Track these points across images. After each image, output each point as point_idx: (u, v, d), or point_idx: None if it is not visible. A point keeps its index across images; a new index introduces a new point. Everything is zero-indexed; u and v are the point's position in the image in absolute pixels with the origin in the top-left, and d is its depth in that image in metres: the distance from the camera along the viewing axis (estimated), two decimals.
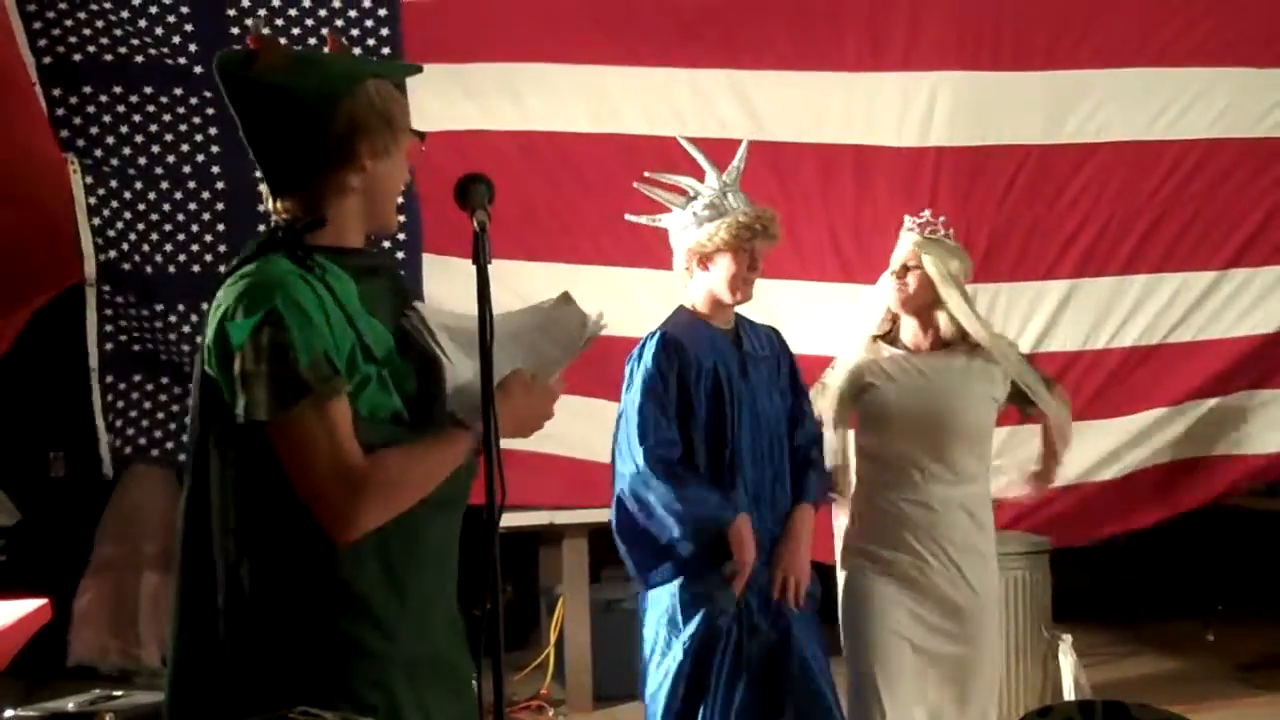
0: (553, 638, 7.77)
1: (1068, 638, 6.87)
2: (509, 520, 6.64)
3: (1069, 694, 6.83)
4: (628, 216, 4.78)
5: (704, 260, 4.46)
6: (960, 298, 4.78)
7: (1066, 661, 6.85)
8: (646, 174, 4.71)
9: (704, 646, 4.32)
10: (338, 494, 2.57)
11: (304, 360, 2.55)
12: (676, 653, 4.33)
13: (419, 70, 2.86)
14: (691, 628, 4.33)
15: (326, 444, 2.56)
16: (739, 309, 4.59)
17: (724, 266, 4.43)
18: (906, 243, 4.76)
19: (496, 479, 2.56)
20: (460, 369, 2.65)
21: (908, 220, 4.83)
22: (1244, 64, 6.94)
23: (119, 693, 5.36)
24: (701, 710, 4.31)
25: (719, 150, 4.77)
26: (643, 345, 4.45)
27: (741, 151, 4.66)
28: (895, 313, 4.79)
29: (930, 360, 4.76)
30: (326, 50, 2.87)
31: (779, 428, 4.51)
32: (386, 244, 5.52)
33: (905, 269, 4.73)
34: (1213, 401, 7.10)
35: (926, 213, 4.85)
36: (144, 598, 8.67)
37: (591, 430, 5.47)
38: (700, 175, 4.63)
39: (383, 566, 2.66)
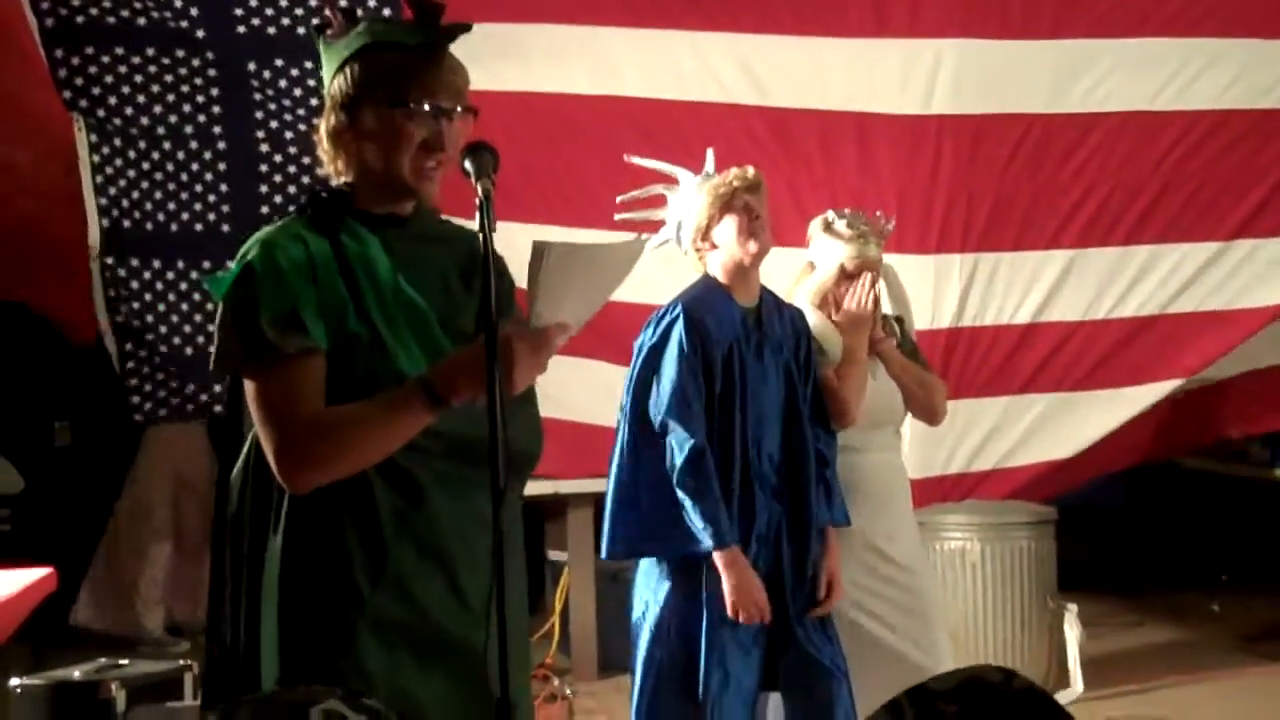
0: (558, 607, 7.79)
1: (1073, 607, 6.92)
2: None
3: (1073, 663, 6.88)
4: (644, 236, 4.77)
5: (707, 236, 4.45)
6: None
7: (1071, 631, 6.90)
8: (620, 199, 4.72)
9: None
10: (280, 445, 2.66)
11: (266, 315, 2.64)
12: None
13: (438, 33, 2.84)
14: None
15: (278, 397, 2.66)
16: (768, 285, 4.55)
17: (726, 231, 4.39)
18: (871, 252, 4.76)
19: (501, 449, 2.53)
20: (541, 317, 2.62)
21: (860, 219, 4.81)
22: (1253, 34, 6.91)
23: (124, 661, 5.39)
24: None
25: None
26: (663, 316, 4.39)
27: (710, 158, 4.62)
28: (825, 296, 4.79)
29: None
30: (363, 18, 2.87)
31: (783, 415, 4.46)
32: None
33: (870, 275, 4.75)
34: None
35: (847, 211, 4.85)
36: (154, 565, 8.72)
37: (592, 393, 5.49)
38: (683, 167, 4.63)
39: (366, 527, 2.69)
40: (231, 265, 2.73)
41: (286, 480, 2.66)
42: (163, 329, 6.14)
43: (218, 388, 6.22)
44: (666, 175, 4.66)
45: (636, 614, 4.43)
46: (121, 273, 6.05)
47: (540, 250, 2.55)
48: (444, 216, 2.96)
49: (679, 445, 4.25)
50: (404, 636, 2.71)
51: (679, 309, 4.36)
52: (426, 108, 2.75)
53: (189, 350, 6.15)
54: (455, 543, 2.74)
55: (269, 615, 2.71)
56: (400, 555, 2.71)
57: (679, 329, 4.32)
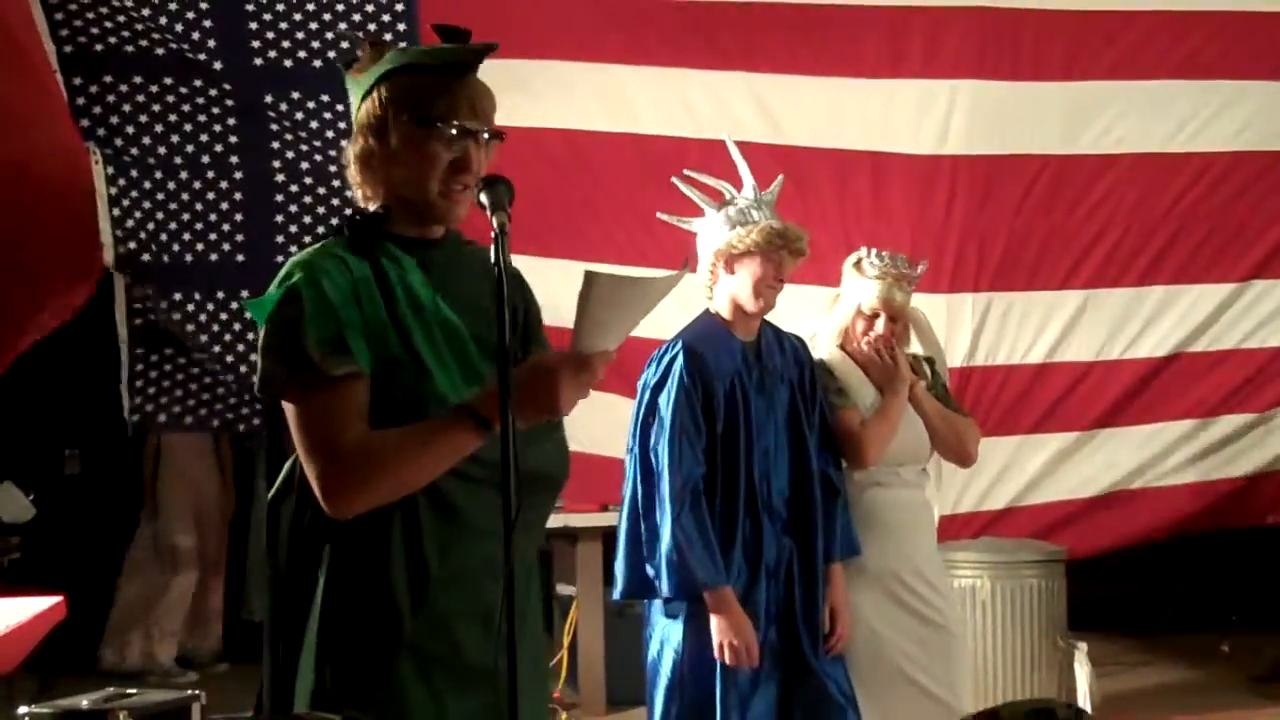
0: (566, 641, 7.78)
1: (1083, 646, 6.89)
2: None
3: (1083, 702, 6.85)
4: (660, 215, 4.76)
5: (731, 263, 4.44)
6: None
7: (1082, 671, 6.87)
8: (686, 171, 4.67)
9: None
10: (324, 470, 2.65)
11: (312, 338, 2.63)
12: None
13: (466, 54, 2.84)
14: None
15: (322, 421, 2.65)
16: (777, 319, 4.59)
17: (750, 270, 4.41)
18: (896, 297, 4.79)
19: (513, 477, 2.53)
20: (585, 344, 2.66)
21: (888, 261, 4.82)
22: (1267, 77, 6.96)
23: (133, 691, 5.36)
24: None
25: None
26: (664, 353, 4.41)
27: (779, 180, 4.65)
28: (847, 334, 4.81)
29: None
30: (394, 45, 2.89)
31: (790, 447, 4.48)
32: None
33: (894, 317, 4.77)
34: (1246, 417, 7.15)
35: (899, 255, 4.86)
36: (175, 595, 8.77)
37: (601, 425, 5.48)
38: (737, 183, 4.61)
39: (412, 553, 2.69)
40: (270, 290, 2.73)
41: (330, 505, 2.65)
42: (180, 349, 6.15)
43: (218, 405, 6.24)
44: (731, 173, 4.64)
45: (652, 655, 4.44)
46: (138, 294, 6.06)
47: (589, 280, 2.58)
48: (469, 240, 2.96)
49: (671, 484, 4.26)
50: (440, 666, 2.72)
51: (679, 345, 4.39)
52: (454, 128, 2.76)
53: (205, 374, 6.16)
54: (487, 570, 2.72)
55: (310, 638, 2.71)
56: (441, 583, 2.71)
57: (679, 365, 4.34)
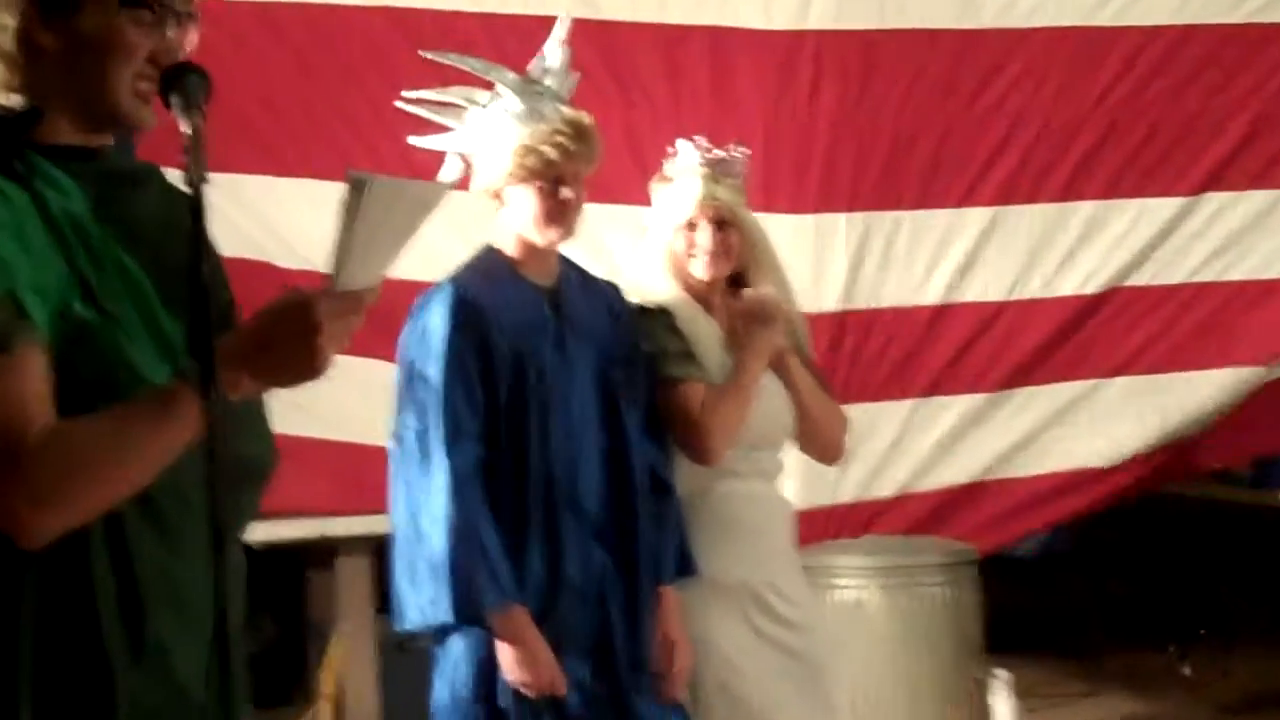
0: (327, 689, 7.70)
1: (1004, 674, 6.98)
2: (267, 532, 6.62)
3: None
4: (411, 139, 4.69)
5: (498, 194, 4.40)
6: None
7: (1002, 705, 6.96)
8: (405, 94, 4.59)
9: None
10: (7, 479, 2.47)
11: None
12: None
13: None
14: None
15: None
16: (567, 251, 4.55)
17: (524, 201, 4.37)
18: (704, 188, 4.72)
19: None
20: (348, 276, 2.54)
21: (691, 150, 4.77)
22: None
23: None
24: None
25: (530, 30, 4.68)
26: (429, 300, 4.36)
27: (547, 54, 4.57)
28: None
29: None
30: None
31: (603, 429, 4.45)
32: None
33: (722, 222, 4.71)
34: (1204, 374, 7.23)
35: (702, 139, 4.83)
36: None
37: (365, 403, 5.37)
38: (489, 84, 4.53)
39: (121, 587, 2.60)
40: None
41: (18, 527, 2.49)
42: None
43: None
44: (480, 78, 4.56)
45: (437, 697, 4.42)
46: None
47: (358, 186, 2.44)
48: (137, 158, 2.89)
49: (438, 475, 4.22)
50: (159, 709, 2.64)
51: (448, 291, 4.33)
52: (166, 10, 2.69)
53: None
54: (201, 587, 2.62)
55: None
56: (158, 616, 2.64)
57: (446, 319, 4.28)
